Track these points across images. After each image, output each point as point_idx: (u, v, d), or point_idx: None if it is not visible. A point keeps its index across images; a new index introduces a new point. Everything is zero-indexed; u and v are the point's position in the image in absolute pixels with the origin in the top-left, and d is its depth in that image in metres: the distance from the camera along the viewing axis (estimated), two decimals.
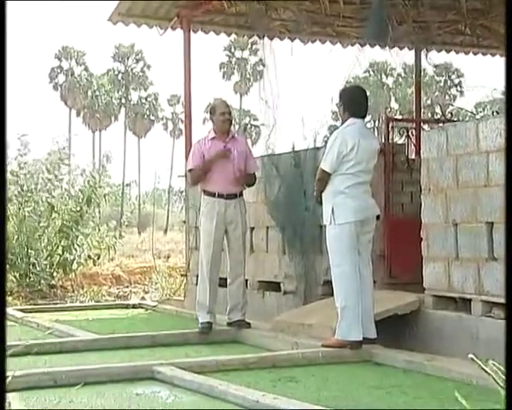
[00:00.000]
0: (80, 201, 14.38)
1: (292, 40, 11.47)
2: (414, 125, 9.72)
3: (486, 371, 2.87)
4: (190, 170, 7.74)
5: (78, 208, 14.29)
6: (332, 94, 8.45)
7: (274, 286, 9.01)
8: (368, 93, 6.86)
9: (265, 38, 10.55)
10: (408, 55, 12.34)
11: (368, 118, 6.77)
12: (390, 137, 8.63)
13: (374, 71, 61.99)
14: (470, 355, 3.11)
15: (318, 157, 8.21)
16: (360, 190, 6.42)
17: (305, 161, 8.58)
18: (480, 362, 2.96)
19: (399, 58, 12.31)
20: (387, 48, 11.49)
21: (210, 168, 7.54)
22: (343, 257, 6.34)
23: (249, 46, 63.43)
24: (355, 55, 10.70)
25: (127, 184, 59.94)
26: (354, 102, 6.52)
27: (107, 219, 16.60)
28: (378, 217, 6.64)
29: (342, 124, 6.56)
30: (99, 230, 15.09)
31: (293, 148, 8.87)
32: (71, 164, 15.16)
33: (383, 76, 62.78)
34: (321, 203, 6.54)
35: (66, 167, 14.99)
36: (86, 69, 67.15)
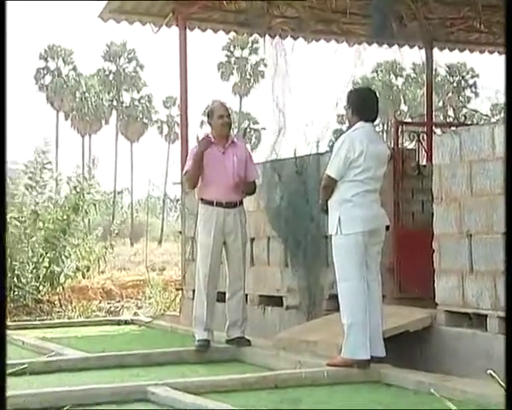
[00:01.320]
0: (67, 209, 14.37)
1: (295, 39, 11.48)
2: (425, 129, 9.73)
3: (505, 388, 2.86)
4: (185, 173, 7.74)
5: (65, 217, 14.27)
6: (337, 96, 8.45)
7: (276, 301, 9.00)
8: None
9: (267, 37, 10.56)
10: (418, 54, 12.36)
11: (376, 121, 6.75)
12: (399, 141, 8.63)
13: (382, 71, 62.05)
14: (489, 371, 3.10)
15: (323, 163, 8.21)
16: (368, 198, 6.42)
17: (309, 167, 8.59)
18: (498, 378, 2.95)
19: (409, 57, 12.35)
20: (396, 46, 11.51)
21: (201, 164, 7.50)
22: (350, 270, 6.34)
23: (249, 45, 63.54)
24: (359, 53, 10.72)
25: (119, 192, 59.95)
26: (363, 104, 6.52)
27: (98, 228, 16.59)
28: (387, 227, 6.64)
29: (349, 128, 6.57)
30: (88, 240, 15.08)
31: (296, 153, 8.87)
32: (55, 170, 15.12)
33: (392, 76, 62.85)
34: (326, 212, 6.54)
35: (50, 173, 14.95)
36: (74, 69, 67.21)
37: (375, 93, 6.79)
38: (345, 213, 6.34)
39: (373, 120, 6.58)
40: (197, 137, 7.93)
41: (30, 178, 14.57)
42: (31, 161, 14.70)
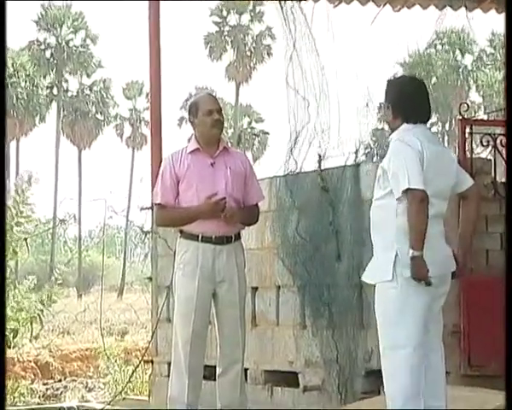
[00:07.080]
0: None
1: (315, 0, 11.55)
2: (505, 130, 9.78)
3: None
4: (159, 205, 7.77)
5: None
6: (378, 83, 8.51)
7: (289, 379, 9.03)
8: (429, 86, 6.86)
9: None
10: (496, 21, 12.42)
11: (432, 118, 6.77)
12: (467, 148, 8.68)
13: (443, 45, 62.29)
14: None
15: (359, 178, 8.27)
16: (435, 229, 6.34)
17: (338, 184, 8.63)
18: None
19: (483, 25, 12.41)
20: (464, 10, 11.56)
21: (192, 221, 7.58)
22: (403, 333, 6.27)
23: (250, 8, 63.81)
24: (410, 21, 10.80)
25: (61, 221, 60.07)
26: (409, 101, 6.50)
27: (30, 275, 16.63)
28: (453, 274, 6.60)
29: (391, 131, 6.56)
30: (16, 292, 15.10)
31: (321, 164, 8.94)
32: None
33: (457, 53, 63.10)
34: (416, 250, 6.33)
35: None
36: None
37: (423, 84, 6.76)
38: (404, 251, 6.28)
39: (425, 121, 6.59)
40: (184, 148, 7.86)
41: None
42: None
